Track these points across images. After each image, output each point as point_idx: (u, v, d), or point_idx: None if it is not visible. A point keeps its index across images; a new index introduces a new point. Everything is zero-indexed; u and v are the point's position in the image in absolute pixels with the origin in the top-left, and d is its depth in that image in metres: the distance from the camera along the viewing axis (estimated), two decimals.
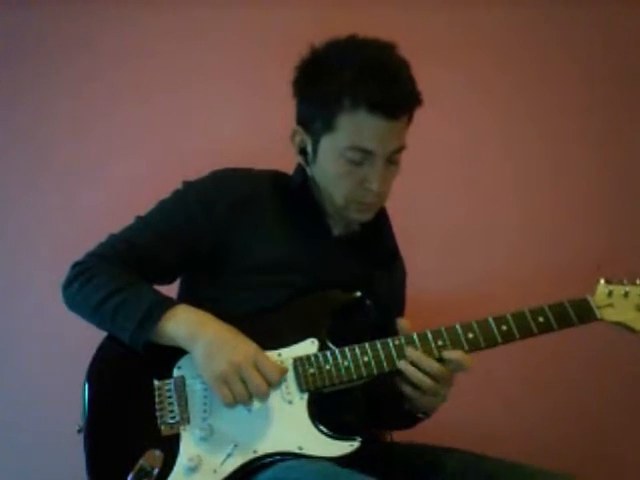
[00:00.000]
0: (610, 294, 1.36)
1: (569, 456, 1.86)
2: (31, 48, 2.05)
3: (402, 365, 1.27)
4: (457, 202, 2.11)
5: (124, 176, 2.00)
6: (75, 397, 1.30)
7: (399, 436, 1.51)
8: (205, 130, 2.05)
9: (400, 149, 1.36)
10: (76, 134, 2.04)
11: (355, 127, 1.30)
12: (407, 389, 1.28)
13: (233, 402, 1.22)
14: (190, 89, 2.05)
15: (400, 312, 1.57)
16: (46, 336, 1.94)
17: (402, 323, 1.32)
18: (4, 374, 1.98)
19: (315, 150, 1.38)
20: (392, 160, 1.36)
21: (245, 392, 1.21)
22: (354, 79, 1.29)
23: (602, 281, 1.38)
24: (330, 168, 1.36)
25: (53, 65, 2.05)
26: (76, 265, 1.37)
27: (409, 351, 1.28)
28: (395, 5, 2.07)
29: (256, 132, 1.98)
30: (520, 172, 2.13)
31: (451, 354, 1.27)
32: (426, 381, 1.26)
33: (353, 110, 1.29)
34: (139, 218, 1.41)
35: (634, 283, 1.37)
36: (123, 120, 2.05)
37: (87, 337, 1.33)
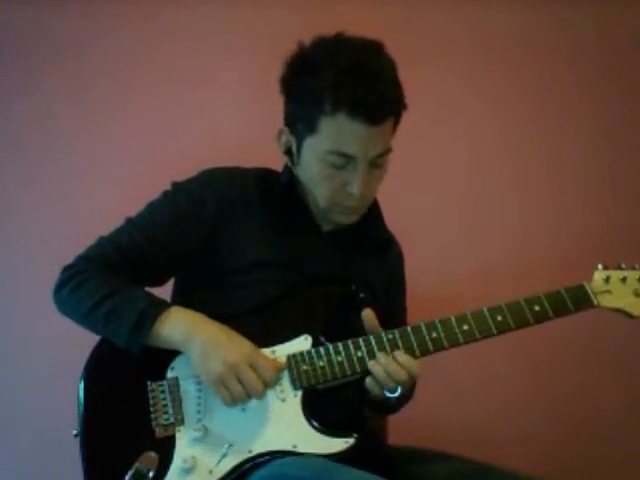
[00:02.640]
0: (607, 280, 1.33)
1: (570, 459, 1.86)
2: (32, 48, 2.05)
3: (371, 366, 1.26)
4: (457, 197, 2.10)
5: (125, 176, 2.01)
6: (73, 398, 1.30)
7: (399, 439, 1.49)
8: (206, 129, 2.04)
9: (384, 153, 1.33)
10: (76, 135, 2.05)
11: (335, 131, 1.28)
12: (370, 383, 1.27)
13: (233, 403, 1.23)
14: (191, 88, 2.05)
15: (401, 296, 1.57)
16: (46, 336, 1.95)
17: (367, 315, 1.29)
18: (4, 375, 2.00)
19: (299, 151, 1.36)
20: (376, 164, 1.33)
21: (243, 392, 1.22)
22: (335, 81, 1.25)
23: (600, 267, 1.35)
24: (313, 170, 1.34)
25: (54, 65, 2.05)
26: (66, 269, 1.36)
27: (380, 356, 1.26)
28: (395, 3, 2.05)
29: (259, 131, 1.96)
30: (520, 168, 2.11)
31: (401, 357, 1.25)
32: (389, 383, 1.25)
33: (333, 114, 1.27)
34: (129, 220, 1.40)
35: (633, 268, 1.35)
36: (123, 120, 2.05)
37: (86, 338, 1.33)
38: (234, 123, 2.02)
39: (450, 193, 2.09)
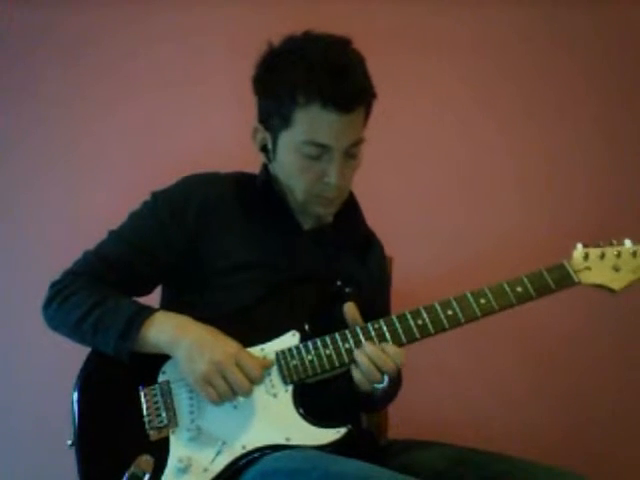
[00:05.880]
0: (586, 257, 1.35)
1: (571, 456, 1.83)
2: (31, 48, 2.08)
3: (356, 355, 1.26)
4: (455, 192, 2.11)
5: (124, 177, 2.03)
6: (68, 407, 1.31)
7: (397, 434, 1.49)
8: (203, 130, 2.07)
9: (357, 142, 1.36)
10: (74, 136, 2.07)
11: (310, 122, 1.31)
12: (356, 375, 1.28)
13: (219, 400, 1.24)
14: (189, 89, 2.08)
15: (385, 293, 1.58)
16: (44, 342, 1.93)
17: (349, 308, 1.31)
18: (4, 375, 2.01)
19: (275, 146, 1.39)
20: (350, 154, 1.36)
21: (228, 390, 1.23)
22: (306, 75, 1.30)
23: (579, 245, 1.37)
24: (289, 163, 1.37)
25: (52, 65, 2.08)
26: (53, 285, 1.38)
27: (365, 345, 1.27)
28: (393, 2, 2.07)
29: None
30: (518, 168, 2.13)
31: (388, 347, 1.26)
32: (374, 372, 1.25)
33: (307, 105, 1.30)
34: (112, 232, 1.43)
35: (610, 244, 1.37)
36: (120, 121, 2.07)
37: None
38: (231, 124, 2.00)
39: (446, 185, 2.09)
